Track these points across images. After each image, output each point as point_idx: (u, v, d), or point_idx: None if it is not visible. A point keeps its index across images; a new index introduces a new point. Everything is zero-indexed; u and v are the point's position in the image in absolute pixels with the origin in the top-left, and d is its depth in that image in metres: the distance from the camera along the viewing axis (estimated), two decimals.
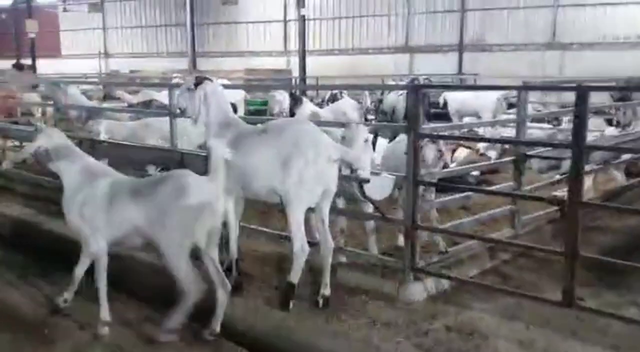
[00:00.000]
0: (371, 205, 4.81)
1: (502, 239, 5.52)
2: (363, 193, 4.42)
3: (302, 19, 16.33)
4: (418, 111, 4.41)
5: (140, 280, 5.40)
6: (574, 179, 3.86)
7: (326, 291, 4.35)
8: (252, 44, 25.88)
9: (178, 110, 4.98)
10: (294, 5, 22.53)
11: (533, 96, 14.18)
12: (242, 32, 26.26)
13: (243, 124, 4.73)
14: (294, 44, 24.15)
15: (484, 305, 4.46)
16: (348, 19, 23.30)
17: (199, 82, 4.65)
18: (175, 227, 3.71)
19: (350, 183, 4.47)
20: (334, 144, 4.21)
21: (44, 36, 28.79)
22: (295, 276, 4.27)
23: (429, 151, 4.87)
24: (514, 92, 12.11)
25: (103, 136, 6.79)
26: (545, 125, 10.04)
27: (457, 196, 5.08)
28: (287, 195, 4.13)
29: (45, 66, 25.07)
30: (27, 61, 24.07)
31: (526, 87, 5.65)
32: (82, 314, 4.49)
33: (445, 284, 4.75)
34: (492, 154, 9.61)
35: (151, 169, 6.76)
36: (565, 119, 10.88)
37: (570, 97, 14.29)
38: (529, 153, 5.73)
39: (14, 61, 24.35)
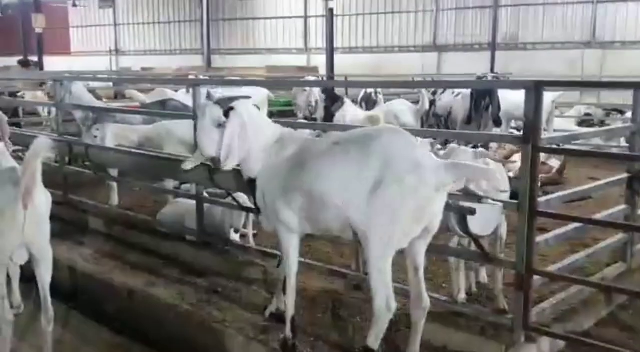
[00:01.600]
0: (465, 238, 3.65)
1: (615, 276, 4.43)
2: (465, 227, 3.25)
3: (330, 13, 15.11)
4: (539, 117, 3.26)
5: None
6: None
7: None
8: (271, 41, 24.68)
9: (203, 159, 3.53)
10: (314, 0, 21.42)
11: (571, 97, 13.02)
12: (259, 28, 25.10)
13: (301, 136, 3.56)
14: (314, 41, 23.01)
15: None
16: (373, 16, 22.07)
17: (229, 108, 3.30)
18: None
19: (447, 213, 3.28)
20: (445, 164, 3.01)
21: (54, 33, 27.87)
22: (375, 340, 3.13)
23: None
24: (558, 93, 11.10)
25: (109, 142, 5.69)
26: None
27: (571, 228, 3.89)
28: (369, 233, 2.97)
29: (54, 64, 24.10)
30: (35, 58, 23.09)
31: None
32: None
33: (561, 343, 3.62)
34: (555, 163, 8.47)
35: (170, 184, 5.66)
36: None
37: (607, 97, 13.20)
38: None
39: (21, 58, 23.43)
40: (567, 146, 4.19)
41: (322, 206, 3.13)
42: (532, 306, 3.45)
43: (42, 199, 3.49)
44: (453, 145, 4.41)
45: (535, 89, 3.21)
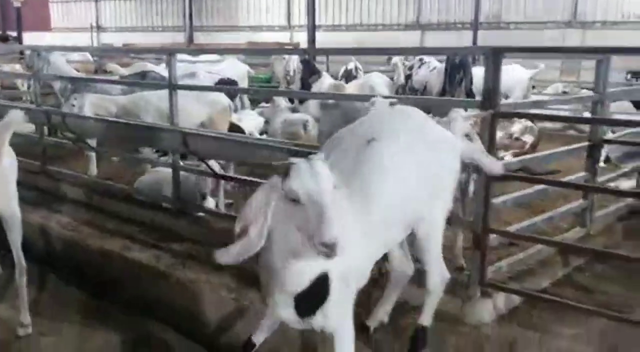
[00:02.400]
0: None
1: (574, 240, 4.63)
2: None
3: None
4: (498, 82, 3.40)
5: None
6: None
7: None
8: (253, 18, 24.54)
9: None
10: None
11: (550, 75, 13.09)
12: (242, 5, 24.91)
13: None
14: (297, 19, 22.91)
15: (573, 330, 3.52)
16: None
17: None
18: None
19: None
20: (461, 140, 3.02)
21: (33, 8, 27.35)
22: (430, 317, 3.21)
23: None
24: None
25: (87, 112, 5.74)
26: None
27: (532, 190, 4.08)
28: (431, 228, 2.92)
29: (34, 40, 23.76)
30: (14, 33, 22.73)
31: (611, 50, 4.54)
32: None
33: (516, 299, 3.81)
34: (529, 138, 8.66)
35: (147, 151, 5.75)
36: None
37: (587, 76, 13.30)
38: (607, 138, 4.76)
39: None
40: (527, 111, 4.30)
41: (396, 216, 2.73)
42: (488, 263, 3.63)
43: (7, 162, 3.58)
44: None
45: (493, 55, 3.35)
